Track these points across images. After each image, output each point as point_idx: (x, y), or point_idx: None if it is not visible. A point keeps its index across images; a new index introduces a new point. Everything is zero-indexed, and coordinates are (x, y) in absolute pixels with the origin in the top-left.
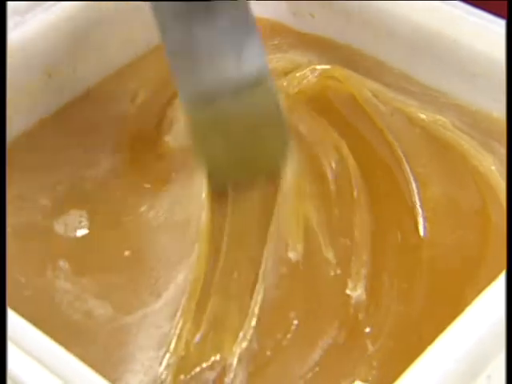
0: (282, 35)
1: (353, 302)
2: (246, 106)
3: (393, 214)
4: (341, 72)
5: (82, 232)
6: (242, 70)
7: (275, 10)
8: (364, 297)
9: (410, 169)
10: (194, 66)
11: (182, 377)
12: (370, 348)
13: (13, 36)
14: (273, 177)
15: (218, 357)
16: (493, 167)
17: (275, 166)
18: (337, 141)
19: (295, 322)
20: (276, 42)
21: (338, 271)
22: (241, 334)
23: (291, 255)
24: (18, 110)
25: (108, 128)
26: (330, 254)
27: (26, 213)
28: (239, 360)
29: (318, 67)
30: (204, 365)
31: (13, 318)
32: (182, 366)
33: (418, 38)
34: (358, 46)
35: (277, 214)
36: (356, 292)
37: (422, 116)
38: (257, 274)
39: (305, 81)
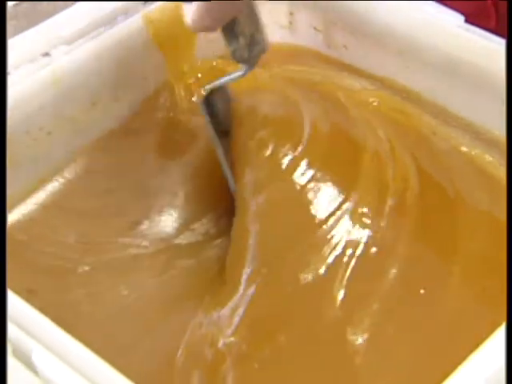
0: (322, 62)
1: (351, 345)
2: None
3: (427, 267)
4: (398, 104)
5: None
6: None
7: (313, 41)
8: (363, 343)
9: (460, 215)
10: None
11: None
12: None
13: (60, 66)
14: None
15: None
16: None
17: None
18: (405, 167)
19: (284, 344)
20: (316, 68)
21: (341, 314)
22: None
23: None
24: (60, 139)
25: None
26: (340, 293)
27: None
28: (229, 352)
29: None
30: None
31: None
32: None
33: (453, 69)
34: (392, 76)
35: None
36: (356, 339)
37: (473, 153)
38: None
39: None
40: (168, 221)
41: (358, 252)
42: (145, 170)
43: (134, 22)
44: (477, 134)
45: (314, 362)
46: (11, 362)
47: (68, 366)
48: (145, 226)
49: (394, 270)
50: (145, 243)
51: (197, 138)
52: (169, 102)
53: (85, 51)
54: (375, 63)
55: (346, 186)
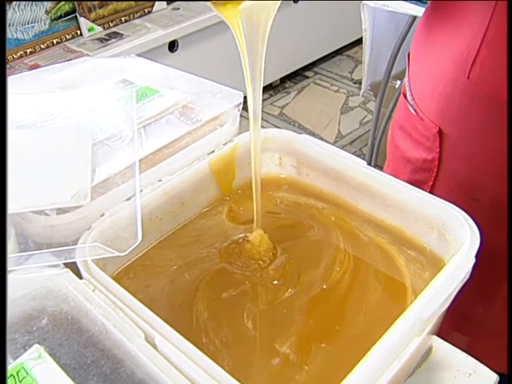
0: (295, 187)
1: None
2: None
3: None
4: (345, 216)
5: None
6: None
7: (290, 171)
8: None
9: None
10: None
11: None
12: None
13: (165, 186)
14: None
15: None
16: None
17: None
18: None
19: None
20: (292, 193)
21: None
22: None
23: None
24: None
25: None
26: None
27: None
28: None
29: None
30: None
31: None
32: None
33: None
34: (338, 194)
35: None
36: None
37: (387, 246)
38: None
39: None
40: None
41: None
42: None
43: (203, 164)
44: (387, 233)
45: None
46: (145, 343)
47: (174, 347)
48: None
49: None
50: None
51: None
52: (221, 207)
53: (178, 179)
54: (325, 184)
55: None
